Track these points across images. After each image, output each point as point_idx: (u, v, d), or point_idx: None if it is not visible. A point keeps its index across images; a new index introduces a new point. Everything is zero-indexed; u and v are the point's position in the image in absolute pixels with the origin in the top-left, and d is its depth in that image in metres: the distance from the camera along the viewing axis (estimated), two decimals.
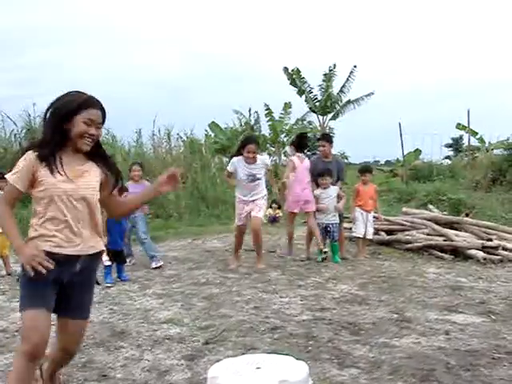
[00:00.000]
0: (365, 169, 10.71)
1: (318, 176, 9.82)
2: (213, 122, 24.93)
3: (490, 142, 25.06)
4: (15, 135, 17.43)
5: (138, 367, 4.60)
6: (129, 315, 6.18)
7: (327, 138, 10.68)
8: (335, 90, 25.94)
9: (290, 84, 25.64)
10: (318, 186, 9.82)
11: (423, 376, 4.34)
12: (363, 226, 10.08)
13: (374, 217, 10.41)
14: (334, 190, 9.79)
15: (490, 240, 10.10)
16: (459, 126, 25.69)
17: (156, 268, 8.93)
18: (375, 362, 4.64)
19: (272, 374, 2.58)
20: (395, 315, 6.08)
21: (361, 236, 10.12)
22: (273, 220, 15.03)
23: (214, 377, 2.64)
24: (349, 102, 26.20)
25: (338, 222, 9.84)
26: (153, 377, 4.39)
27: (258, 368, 2.66)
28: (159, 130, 19.37)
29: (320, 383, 4.13)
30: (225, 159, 22.24)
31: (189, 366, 4.61)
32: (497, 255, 9.65)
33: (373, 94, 26.20)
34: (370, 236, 10.27)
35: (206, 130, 25.52)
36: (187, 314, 6.21)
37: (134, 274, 8.43)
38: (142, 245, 9.34)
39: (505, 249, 9.87)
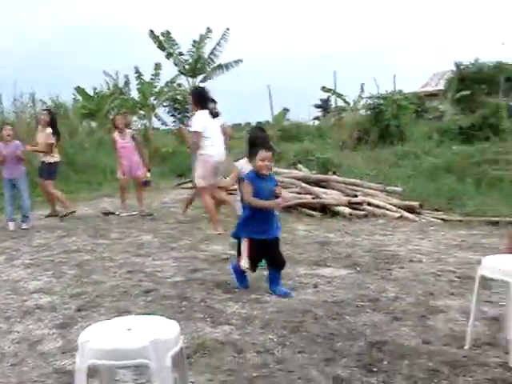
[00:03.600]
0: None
1: None
2: (79, 87, 24.16)
3: (354, 103, 25.97)
4: None
5: (7, 339, 4.48)
6: None
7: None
8: (207, 53, 25.83)
9: (158, 47, 25.22)
10: None
11: (293, 328, 4.53)
12: None
13: None
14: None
15: (356, 196, 10.57)
16: (324, 89, 26.41)
17: (26, 229, 9.08)
18: (247, 318, 4.77)
19: (143, 335, 2.60)
20: (266, 272, 6.24)
21: None
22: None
23: (84, 341, 2.62)
24: (219, 66, 26.19)
25: None
26: (23, 348, 4.29)
27: (129, 329, 2.67)
28: (21, 95, 18.49)
29: (194, 342, 4.21)
30: (93, 124, 21.72)
31: (61, 334, 4.55)
32: (362, 210, 10.12)
33: (241, 61, 26.31)
34: None
35: (74, 95, 24.73)
36: (58, 282, 6.09)
37: (0, 245, 8.11)
38: (23, 203, 9.43)
39: (369, 204, 10.37)
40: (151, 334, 2.60)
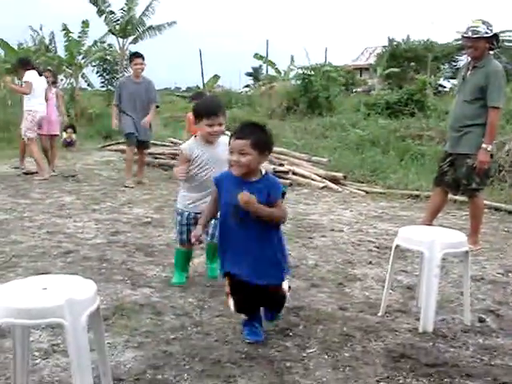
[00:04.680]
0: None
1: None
2: (2, 40, 23.24)
3: (285, 72, 26.03)
4: None
5: None
6: None
7: (141, 55, 9.62)
8: (138, 13, 25.29)
9: (90, 2, 24.52)
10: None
11: (213, 292, 4.54)
12: None
13: None
14: None
15: (282, 165, 10.65)
16: (257, 56, 26.35)
17: None
18: (167, 281, 4.77)
19: (59, 294, 2.57)
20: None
21: None
22: (68, 144, 14.57)
23: None
24: (151, 27, 25.72)
25: None
26: None
27: (45, 288, 2.63)
28: None
29: (113, 303, 4.18)
30: (16, 80, 20.99)
31: None
32: (287, 179, 10.21)
33: (175, 23, 25.96)
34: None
35: None
36: None
37: None
38: None
39: (294, 173, 10.48)
40: (67, 293, 2.56)
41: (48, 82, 10.42)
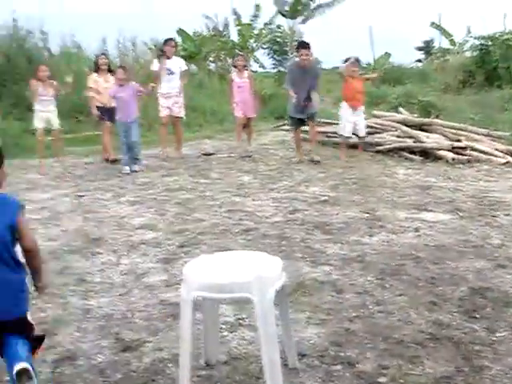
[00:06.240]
0: (354, 59, 10.31)
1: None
2: (180, 29, 24.29)
3: (460, 44, 24.92)
4: None
5: (115, 271, 4.69)
6: (103, 222, 6.22)
7: (307, 45, 9.99)
8: None
9: None
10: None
11: (393, 270, 4.50)
12: (350, 123, 9.95)
13: None
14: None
15: (459, 141, 10.22)
16: (433, 25, 25.43)
17: (136, 171, 9.18)
18: (347, 259, 4.78)
19: (247, 269, 2.65)
20: (366, 215, 6.21)
21: (347, 135, 10.06)
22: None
23: (189, 274, 2.70)
24: (320, 5, 25.65)
25: None
26: (130, 279, 4.48)
27: (233, 264, 2.73)
28: (124, 38, 18.82)
29: (294, 280, 4.25)
30: (193, 66, 21.84)
31: (165, 268, 4.71)
32: (465, 155, 9.79)
33: None
34: (362, 133, 10.16)
35: (173, 38, 24.80)
36: (161, 219, 6.28)
37: (107, 183, 8.41)
38: (136, 147, 9.48)
39: (473, 149, 10.01)
40: (255, 269, 2.64)
41: (237, 66, 10.78)
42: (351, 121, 9.92)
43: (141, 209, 6.80)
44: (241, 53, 13.74)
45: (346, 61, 10.27)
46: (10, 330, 2.77)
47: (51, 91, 9.52)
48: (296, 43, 15.15)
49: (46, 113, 9.59)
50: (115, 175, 9.02)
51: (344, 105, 10.01)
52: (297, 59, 10.09)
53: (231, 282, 2.59)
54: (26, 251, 2.80)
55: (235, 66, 11.01)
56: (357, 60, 10.39)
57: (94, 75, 10.20)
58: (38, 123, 9.61)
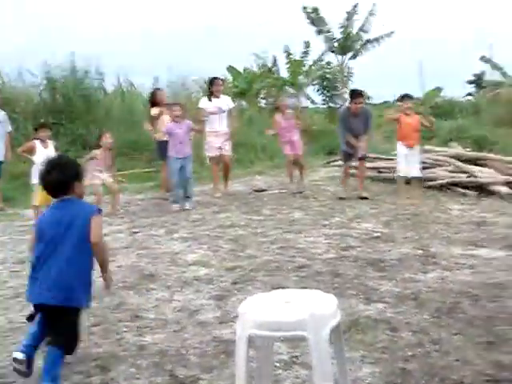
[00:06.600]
0: (406, 96, 10.26)
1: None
2: (230, 66, 24.69)
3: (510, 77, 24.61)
4: (36, 87, 17.06)
5: (169, 308, 4.73)
6: (157, 258, 6.29)
7: (362, 94, 10.48)
8: (355, 29, 25.50)
9: (310, 23, 25.21)
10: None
11: (449, 309, 4.42)
12: (405, 163, 9.73)
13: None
14: None
15: None
16: (483, 59, 25.23)
17: (187, 210, 9.18)
18: (401, 297, 4.72)
19: (302, 307, 2.65)
20: (420, 251, 6.14)
21: (402, 175, 9.85)
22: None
23: (245, 311, 2.71)
24: (368, 41, 25.77)
25: None
26: (184, 316, 4.51)
27: (288, 302, 2.73)
28: (177, 77, 19.20)
29: (347, 318, 4.22)
30: (244, 103, 22.08)
31: (218, 305, 4.73)
32: None
33: (393, 33, 25.73)
34: (415, 174, 9.80)
35: (224, 75, 25.21)
36: (214, 255, 6.32)
37: (160, 220, 8.53)
38: (188, 184, 9.51)
39: None
40: (310, 307, 2.64)
41: (280, 107, 10.89)
42: (407, 159, 9.74)
43: (193, 245, 6.86)
44: (287, 94, 13.74)
45: (398, 99, 10.25)
46: (61, 316, 3.43)
47: (108, 161, 9.40)
48: (349, 88, 15.33)
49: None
50: (168, 211, 9.13)
51: (399, 144, 9.88)
52: (348, 105, 10.22)
53: (286, 320, 2.60)
54: (92, 245, 3.50)
55: (277, 108, 11.10)
56: (409, 97, 10.35)
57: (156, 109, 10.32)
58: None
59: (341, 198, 9.66)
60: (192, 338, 4.06)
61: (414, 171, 9.77)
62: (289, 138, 10.73)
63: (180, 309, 4.68)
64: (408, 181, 9.92)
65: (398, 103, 10.17)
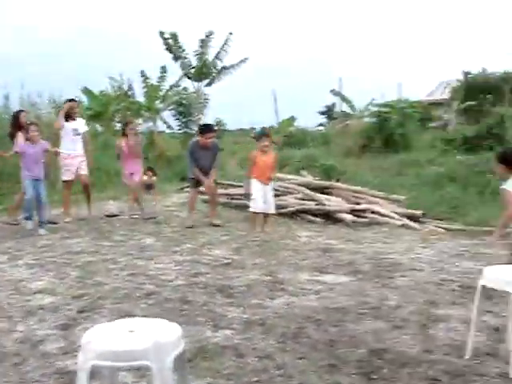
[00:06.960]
0: (262, 133, 10.36)
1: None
2: (85, 88, 24.18)
3: (360, 110, 25.98)
4: None
5: (9, 339, 4.51)
6: None
7: (212, 129, 10.66)
8: (211, 56, 25.85)
9: (166, 49, 25.25)
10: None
11: (294, 334, 4.55)
12: (262, 200, 9.40)
13: None
14: None
15: (359, 204, 10.59)
16: (333, 92, 26.45)
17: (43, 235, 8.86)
18: (248, 323, 4.80)
19: (145, 336, 2.63)
20: (268, 277, 6.28)
21: (259, 211, 9.48)
22: (147, 187, 14.86)
23: (87, 342, 2.65)
24: (224, 68, 26.20)
25: None
26: (25, 347, 4.32)
27: (131, 331, 2.70)
28: (28, 96, 18.51)
29: (195, 345, 4.23)
30: (98, 126, 21.69)
31: (63, 335, 4.58)
32: (365, 218, 10.13)
33: (247, 59, 26.32)
34: (272, 211, 9.59)
35: (77, 96, 24.61)
36: (61, 283, 6.12)
37: (4, 246, 8.13)
38: (42, 210, 9.18)
39: (372, 212, 10.38)
40: (153, 336, 2.62)
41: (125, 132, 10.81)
42: (262, 195, 9.44)
43: (39, 272, 6.60)
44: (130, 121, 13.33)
45: (255, 137, 10.29)
46: None
47: None
48: (204, 115, 15.44)
49: None
50: (12, 237, 8.74)
51: (254, 181, 9.46)
52: (198, 138, 10.16)
53: (129, 350, 2.56)
54: None
55: (123, 133, 10.88)
56: (266, 134, 10.33)
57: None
58: None
59: (188, 227, 9.56)
60: (33, 371, 3.89)
61: (271, 208, 9.54)
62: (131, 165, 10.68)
63: (22, 340, 4.48)
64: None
65: (256, 142, 10.19)
